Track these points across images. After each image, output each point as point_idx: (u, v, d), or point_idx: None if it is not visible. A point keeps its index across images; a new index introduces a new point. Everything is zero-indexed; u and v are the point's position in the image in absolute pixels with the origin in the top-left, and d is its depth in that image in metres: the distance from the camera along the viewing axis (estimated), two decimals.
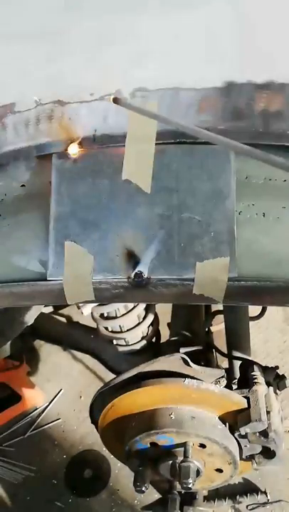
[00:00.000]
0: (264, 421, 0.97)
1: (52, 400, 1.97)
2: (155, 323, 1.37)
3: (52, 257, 0.58)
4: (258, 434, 1.01)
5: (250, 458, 1.10)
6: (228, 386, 1.06)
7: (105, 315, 1.28)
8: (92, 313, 1.32)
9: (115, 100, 0.50)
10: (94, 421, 1.22)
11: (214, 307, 1.46)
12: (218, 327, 1.56)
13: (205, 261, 0.54)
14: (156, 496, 1.49)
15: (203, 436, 1.02)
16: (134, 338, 1.32)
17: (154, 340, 1.38)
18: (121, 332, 1.29)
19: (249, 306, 1.32)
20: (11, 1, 0.55)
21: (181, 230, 0.55)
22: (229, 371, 1.18)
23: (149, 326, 1.33)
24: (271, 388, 1.07)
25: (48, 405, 1.95)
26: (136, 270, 0.55)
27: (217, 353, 1.28)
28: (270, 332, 2.06)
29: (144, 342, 1.33)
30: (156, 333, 1.40)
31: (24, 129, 0.58)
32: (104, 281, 0.57)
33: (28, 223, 0.63)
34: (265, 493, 1.54)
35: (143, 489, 1.07)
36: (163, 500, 1.22)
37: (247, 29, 0.52)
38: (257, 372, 1.10)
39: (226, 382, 1.05)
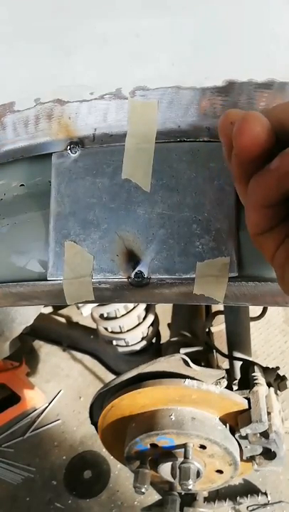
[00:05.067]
0: (265, 422, 0.97)
1: (51, 401, 1.96)
2: (155, 323, 1.37)
3: (52, 257, 0.58)
4: (258, 435, 1.01)
5: (251, 459, 1.10)
6: (229, 387, 1.06)
7: (105, 315, 1.28)
8: (91, 313, 1.32)
9: None
10: (94, 422, 1.22)
11: (215, 307, 1.46)
12: (218, 327, 1.56)
13: (205, 261, 0.54)
14: (157, 497, 1.49)
15: (203, 438, 1.01)
16: (134, 339, 1.32)
17: (154, 340, 1.38)
18: (121, 333, 1.29)
19: (250, 307, 1.32)
20: (11, 0, 0.55)
21: (182, 230, 0.54)
22: (230, 372, 1.18)
23: (149, 327, 1.33)
24: (272, 389, 1.07)
25: (48, 406, 1.95)
26: (136, 270, 0.55)
27: (217, 354, 1.28)
28: (271, 333, 2.06)
29: (144, 343, 1.33)
30: (157, 333, 1.40)
31: (24, 128, 0.58)
32: (104, 281, 0.57)
33: (28, 223, 0.62)
34: (265, 494, 1.54)
35: (143, 490, 1.07)
36: (163, 502, 1.22)
37: (247, 28, 0.51)
38: (257, 373, 1.10)
39: (226, 383, 1.04)
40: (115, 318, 1.25)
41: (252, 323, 1.33)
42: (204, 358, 1.20)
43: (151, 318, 1.30)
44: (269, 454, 1.07)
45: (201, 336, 1.33)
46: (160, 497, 1.36)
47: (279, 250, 0.39)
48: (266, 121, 0.32)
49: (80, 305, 2.05)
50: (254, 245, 0.43)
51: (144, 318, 1.30)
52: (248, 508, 1.53)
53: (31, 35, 0.55)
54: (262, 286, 0.55)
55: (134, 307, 1.25)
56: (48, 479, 1.71)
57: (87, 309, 2.07)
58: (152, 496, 1.52)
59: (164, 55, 0.53)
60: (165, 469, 1.11)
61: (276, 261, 0.39)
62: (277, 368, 1.15)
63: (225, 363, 1.28)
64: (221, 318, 1.36)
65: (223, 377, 1.04)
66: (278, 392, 1.10)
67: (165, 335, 1.41)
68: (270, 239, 0.39)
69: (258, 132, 0.32)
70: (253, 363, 1.15)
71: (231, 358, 1.22)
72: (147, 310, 1.30)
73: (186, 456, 1.03)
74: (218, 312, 1.39)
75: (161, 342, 1.41)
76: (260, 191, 0.35)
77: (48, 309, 2.04)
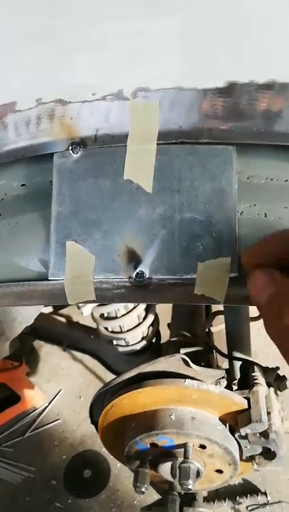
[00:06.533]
0: (264, 422, 0.97)
1: (51, 401, 1.97)
2: (155, 323, 1.37)
3: (53, 257, 0.58)
4: (258, 434, 1.01)
5: (251, 459, 1.10)
6: (229, 387, 1.06)
7: (105, 315, 1.28)
8: (92, 313, 1.32)
9: None
10: (94, 421, 1.22)
11: (215, 308, 1.46)
12: (218, 327, 1.56)
13: (206, 261, 0.54)
14: (156, 496, 1.49)
15: (203, 437, 1.01)
16: (135, 339, 1.32)
17: (154, 340, 1.38)
18: (121, 332, 1.29)
19: (250, 307, 1.32)
20: (13, 0, 0.55)
21: (183, 230, 0.54)
22: (229, 372, 1.18)
23: (149, 327, 1.33)
24: (272, 389, 1.07)
25: (48, 406, 1.95)
26: (137, 270, 0.55)
27: (217, 354, 1.28)
28: None
29: (144, 342, 1.33)
30: (157, 333, 1.40)
31: (25, 128, 0.58)
32: (106, 281, 0.57)
33: (29, 223, 0.62)
34: (265, 494, 1.54)
35: (143, 490, 1.07)
36: (163, 501, 1.22)
37: (248, 28, 0.51)
38: (257, 373, 1.10)
39: (226, 382, 1.04)
40: (116, 318, 1.26)
41: (252, 323, 1.33)
42: (204, 358, 1.21)
43: (151, 318, 1.31)
44: (269, 454, 1.07)
45: (201, 336, 1.33)
46: (160, 496, 1.36)
47: None
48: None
49: (80, 305, 2.05)
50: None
51: (145, 318, 1.30)
52: (247, 507, 1.53)
53: (33, 35, 0.55)
54: None
55: (134, 307, 1.26)
56: (47, 479, 1.71)
57: (88, 309, 2.07)
58: (152, 496, 1.52)
59: (165, 56, 0.53)
60: (165, 469, 1.11)
61: None
62: (277, 368, 1.15)
63: (225, 363, 1.28)
64: (221, 318, 1.36)
65: (223, 377, 1.04)
66: (278, 392, 1.10)
67: (165, 335, 1.41)
68: None
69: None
70: (253, 363, 1.15)
71: (231, 358, 1.22)
72: (147, 310, 1.30)
73: (186, 456, 1.03)
74: (218, 312, 1.39)
75: (161, 342, 1.41)
76: None
77: (48, 309, 2.04)
